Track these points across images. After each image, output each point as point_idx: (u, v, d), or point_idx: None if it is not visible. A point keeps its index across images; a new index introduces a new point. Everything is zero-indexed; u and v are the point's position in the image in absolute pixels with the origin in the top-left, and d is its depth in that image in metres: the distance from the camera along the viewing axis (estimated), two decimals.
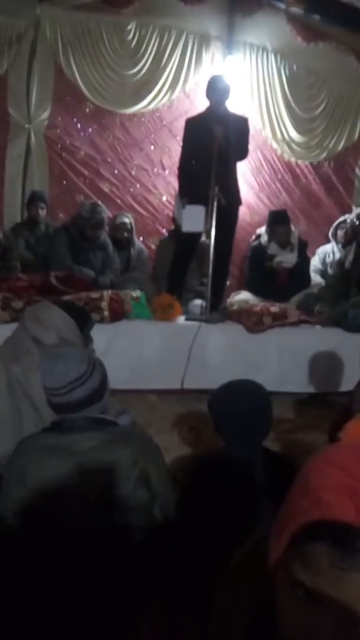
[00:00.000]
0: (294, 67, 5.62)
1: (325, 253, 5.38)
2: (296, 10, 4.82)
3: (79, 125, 5.29)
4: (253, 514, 1.47)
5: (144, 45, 5.21)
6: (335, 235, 5.37)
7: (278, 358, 3.77)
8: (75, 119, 5.27)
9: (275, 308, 3.92)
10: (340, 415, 2.45)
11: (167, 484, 1.65)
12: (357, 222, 5.05)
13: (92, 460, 1.52)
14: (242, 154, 4.10)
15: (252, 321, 3.79)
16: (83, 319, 2.30)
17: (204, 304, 3.90)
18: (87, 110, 5.27)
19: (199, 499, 1.67)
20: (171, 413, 3.32)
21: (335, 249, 5.31)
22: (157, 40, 5.23)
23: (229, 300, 4.49)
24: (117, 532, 1.49)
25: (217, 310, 3.93)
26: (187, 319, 3.87)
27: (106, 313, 3.54)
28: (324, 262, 5.34)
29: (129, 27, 5.16)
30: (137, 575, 1.45)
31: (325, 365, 3.75)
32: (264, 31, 5.34)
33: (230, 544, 1.04)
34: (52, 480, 1.50)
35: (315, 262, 5.29)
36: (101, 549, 1.46)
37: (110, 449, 1.55)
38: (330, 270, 5.14)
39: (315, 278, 5.10)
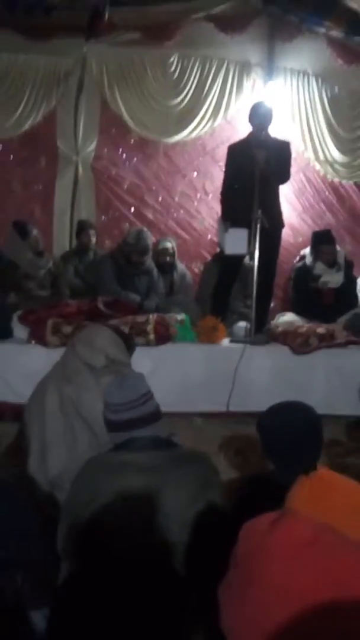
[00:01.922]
0: (335, 89, 5.64)
1: None
2: (336, 33, 4.85)
3: (124, 155, 5.47)
4: None
5: (186, 76, 5.36)
6: None
7: (326, 380, 3.71)
8: (120, 150, 5.46)
9: (322, 329, 3.87)
10: None
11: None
12: None
13: (162, 477, 1.54)
14: (284, 177, 4.13)
15: (298, 342, 3.76)
16: (129, 340, 2.37)
17: (249, 325, 3.90)
18: (132, 141, 5.45)
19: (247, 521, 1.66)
20: (217, 436, 3.31)
21: None
22: (199, 70, 5.37)
23: (273, 322, 4.46)
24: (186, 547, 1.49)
25: (261, 332, 3.93)
26: (231, 341, 3.87)
27: (152, 336, 3.60)
28: None
29: (171, 60, 5.33)
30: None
31: None
32: (304, 56, 5.39)
33: None
34: (124, 497, 1.51)
35: None
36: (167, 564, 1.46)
37: (178, 466, 1.58)
38: None
39: None
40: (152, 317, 3.74)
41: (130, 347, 2.38)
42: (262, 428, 1.76)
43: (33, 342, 3.62)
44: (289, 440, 1.66)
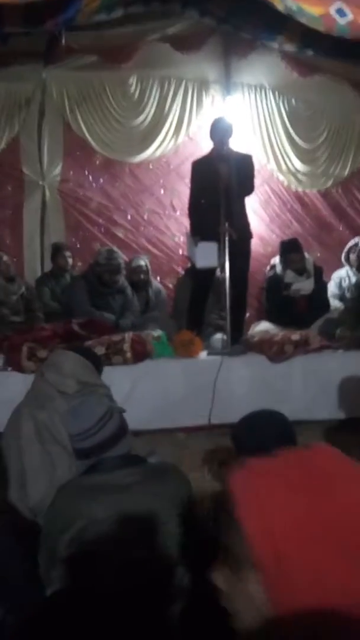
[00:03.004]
0: (293, 101, 5.79)
1: (341, 277, 5.39)
2: (289, 47, 4.98)
3: (90, 177, 5.51)
4: None
5: (146, 96, 5.45)
6: (348, 259, 5.40)
7: (304, 386, 3.76)
8: (86, 172, 5.49)
9: (296, 336, 3.92)
10: None
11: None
12: None
13: (133, 496, 1.55)
14: (248, 189, 4.21)
15: (274, 351, 3.80)
16: (97, 360, 2.37)
17: (225, 337, 3.94)
18: (97, 162, 5.49)
19: None
20: (201, 450, 3.31)
21: (350, 273, 5.32)
22: (159, 90, 5.47)
23: (249, 332, 4.51)
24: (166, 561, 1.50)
25: (238, 343, 3.96)
26: (209, 354, 3.90)
27: (129, 355, 3.60)
28: (340, 287, 5.35)
29: (131, 81, 5.41)
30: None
31: (353, 389, 3.72)
32: (260, 70, 5.53)
33: None
34: (105, 518, 1.51)
35: (332, 287, 5.30)
36: (150, 579, 1.45)
37: (153, 482, 1.59)
38: (347, 294, 5.15)
39: (334, 303, 5.10)
40: (128, 335, 3.74)
41: (98, 366, 2.39)
42: (235, 440, 1.78)
43: (9, 368, 3.59)
44: (261, 449, 1.68)
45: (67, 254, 5.07)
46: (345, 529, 0.67)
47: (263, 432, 1.72)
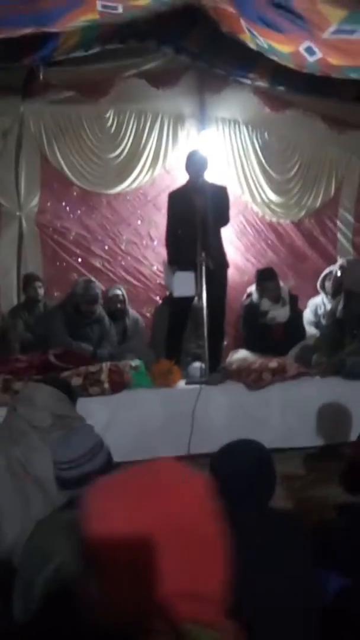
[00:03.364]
0: (265, 135, 5.95)
1: (316, 305, 5.47)
2: (261, 83, 5.16)
3: (67, 208, 5.53)
4: (264, 577, 1.44)
5: (123, 130, 5.54)
6: (323, 286, 5.49)
7: (282, 413, 3.76)
8: (63, 203, 5.52)
9: (273, 363, 3.95)
10: (348, 467, 2.44)
11: None
12: (340, 273, 5.18)
13: None
14: (224, 220, 4.28)
15: (252, 378, 3.81)
16: (71, 391, 2.34)
17: (203, 366, 3.94)
18: (75, 193, 5.52)
19: None
20: None
21: (325, 300, 5.41)
22: (135, 123, 5.57)
23: (227, 360, 4.52)
24: None
25: (216, 371, 3.96)
26: (187, 383, 3.89)
27: (106, 385, 3.57)
28: (316, 314, 5.43)
29: (108, 115, 5.50)
30: None
31: (330, 416, 3.74)
32: (234, 105, 5.68)
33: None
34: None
35: (307, 315, 5.38)
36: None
37: None
38: (323, 321, 5.22)
39: (310, 330, 5.16)
40: (106, 365, 3.72)
41: (73, 397, 2.35)
42: (213, 469, 1.76)
43: None
44: (239, 479, 1.67)
45: (38, 284, 5.04)
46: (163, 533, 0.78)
47: (240, 462, 1.70)
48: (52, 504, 1.88)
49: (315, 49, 3.56)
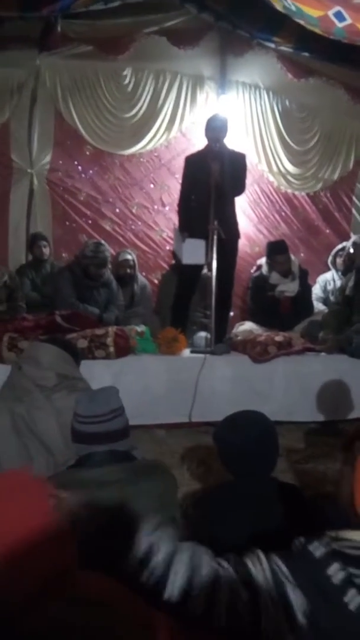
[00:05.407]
0: (286, 103, 5.80)
1: (326, 281, 5.42)
2: (285, 48, 4.99)
3: (79, 167, 5.44)
4: (266, 547, 1.46)
5: (140, 89, 5.40)
6: (334, 262, 5.43)
7: (285, 387, 3.77)
8: (76, 162, 5.42)
9: (279, 337, 3.93)
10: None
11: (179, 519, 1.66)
12: (353, 250, 5.11)
13: (123, 492, 1.53)
14: (239, 189, 4.19)
15: (257, 351, 3.80)
16: (75, 352, 2.34)
17: (209, 335, 3.93)
18: (87, 153, 5.43)
19: (210, 535, 1.66)
20: (180, 447, 3.30)
21: (336, 277, 5.36)
22: (153, 83, 5.42)
23: (233, 331, 4.51)
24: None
25: (221, 342, 3.96)
26: (192, 352, 3.89)
27: (112, 349, 3.57)
28: (325, 290, 5.38)
29: (125, 73, 5.35)
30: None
31: (333, 393, 3.75)
32: (255, 70, 5.52)
33: None
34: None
35: (316, 290, 5.34)
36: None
37: (137, 481, 1.58)
38: (332, 298, 5.18)
39: (318, 306, 5.13)
40: (112, 329, 3.71)
41: (76, 358, 2.35)
42: (217, 440, 1.78)
43: None
44: (243, 450, 1.69)
45: (43, 243, 5.01)
46: None
47: (245, 434, 1.72)
48: (54, 464, 1.90)
49: (346, 15, 3.43)
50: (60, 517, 0.98)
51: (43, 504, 0.95)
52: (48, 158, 5.29)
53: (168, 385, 3.62)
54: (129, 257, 5.06)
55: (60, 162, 5.37)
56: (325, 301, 5.30)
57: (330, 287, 5.36)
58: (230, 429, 1.76)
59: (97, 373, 3.29)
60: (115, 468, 1.60)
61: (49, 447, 2.02)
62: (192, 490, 2.71)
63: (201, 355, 3.72)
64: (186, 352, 3.89)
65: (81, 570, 0.94)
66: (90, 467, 1.61)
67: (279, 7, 3.71)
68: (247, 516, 1.62)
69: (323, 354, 3.94)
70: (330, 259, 5.50)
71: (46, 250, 5.02)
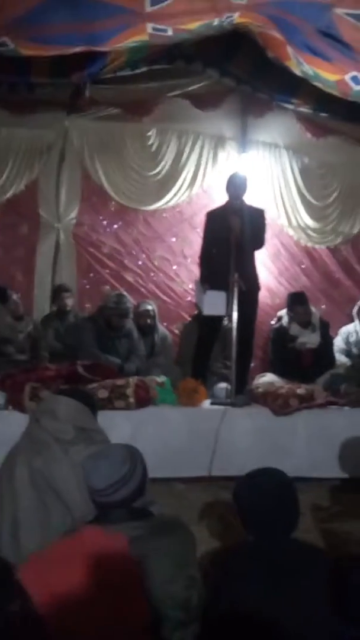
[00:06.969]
0: (306, 161, 5.95)
1: (349, 333, 5.38)
2: (304, 109, 5.16)
3: (104, 222, 5.62)
4: (284, 609, 1.41)
5: (164, 148, 5.62)
6: (359, 314, 5.40)
7: (307, 441, 3.69)
8: (101, 217, 5.62)
9: (301, 390, 3.88)
10: None
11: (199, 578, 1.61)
12: None
13: (141, 550, 1.50)
14: (259, 243, 4.27)
15: (279, 404, 3.75)
16: (92, 402, 2.33)
17: (229, 387, 3.90)
18: (112, 208, 5.62)
19: (229, 595, 1.61)
20: (199, 502, 3.23)
21: (359, 328, 5.32)
22: (176, 143, 5.65)
23: (254, 382, 4.47)
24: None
25: (242, 393, 3.92)
26: (212, 403, 3.86)
27: (132, 400, 3.57)
28: (347, 342, 5.33)
29: (150, 133, 5.60)
30: None
31: (358, 448, 3.65)
32: (275, 130, 5.70)
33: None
34: None
35: (338, 342, 5.29)
36: None
37: (156, 539, 1.55)
38: (354, 350, 5.13)
39: (340, 358, 5.08)
40: (132, 380, 3.72)
41: (93, 409, 2.34)
42: (236, 500, 1.74)
43: (10, 407, 3.55)
44: (262, 510, 1.65)
45: (67, 294, 5.11)
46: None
47: (264, 493, 1.68)
48: (72, 519, 1.87)
49: None
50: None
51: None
52: (74, 213, 5.49)
53: (188, 438, 3.58)
54: (150, 307, 5.13)
55: (86, 216, 5.56)
56: (348, 353, 5.24)
57: (352, 339, 5.31)
58: (248, 488, 1.72)
59: (117, 424, 3.28)
60: (133, 524, 1.57)
61: (66, 502, 1.99)
62: (212, 548, 2.62)
63: (221, 407, 3.69)
64: (206, 403, 3.86)
65: None
66: (108, 524, 1.58)
67: (297, 72, 3.86)
68: (265, 578, 1.56)
69: (346, 408, 3.86)
70: (355, 309, 5.47)
71: (69, 301, 5.12)
